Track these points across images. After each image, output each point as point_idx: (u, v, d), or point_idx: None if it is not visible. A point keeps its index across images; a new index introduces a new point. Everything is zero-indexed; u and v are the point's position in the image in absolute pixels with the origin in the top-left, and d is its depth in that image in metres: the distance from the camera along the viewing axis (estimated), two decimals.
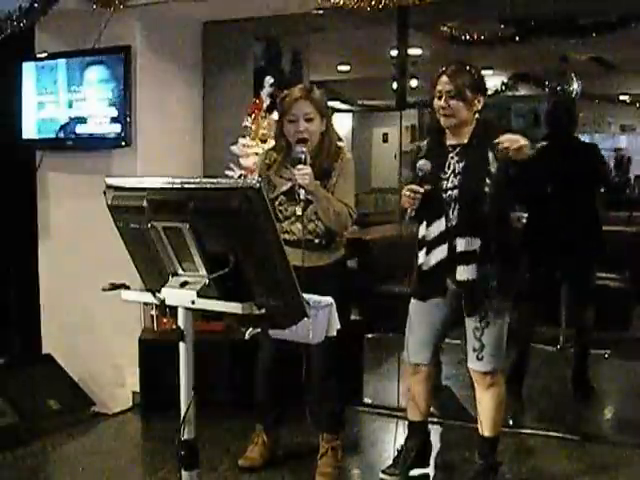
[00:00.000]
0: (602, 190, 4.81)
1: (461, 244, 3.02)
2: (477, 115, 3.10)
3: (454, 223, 3.04)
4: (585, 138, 8.96)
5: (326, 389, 3.38)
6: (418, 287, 3.20)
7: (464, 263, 3.02)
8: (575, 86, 6.72)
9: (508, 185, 2.97)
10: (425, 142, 3.25)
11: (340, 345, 3.05)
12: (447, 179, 3.08)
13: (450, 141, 3.14)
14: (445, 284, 3.10)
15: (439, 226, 3.06)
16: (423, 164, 3.05)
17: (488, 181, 2.99)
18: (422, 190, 3.02)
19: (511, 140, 2.86)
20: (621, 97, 9.24)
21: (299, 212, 3.16)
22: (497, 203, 3.01)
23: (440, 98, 3.07)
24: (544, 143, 4.60)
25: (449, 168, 3.09)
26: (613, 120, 10.17)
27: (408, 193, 3.03)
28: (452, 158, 3.10)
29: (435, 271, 3.09)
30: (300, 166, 3.07)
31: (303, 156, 3.09)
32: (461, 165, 3.07)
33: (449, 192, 3.06)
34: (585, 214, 4.40)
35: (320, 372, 3.31)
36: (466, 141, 3.10)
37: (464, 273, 3.02)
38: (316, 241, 3.23)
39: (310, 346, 3.01)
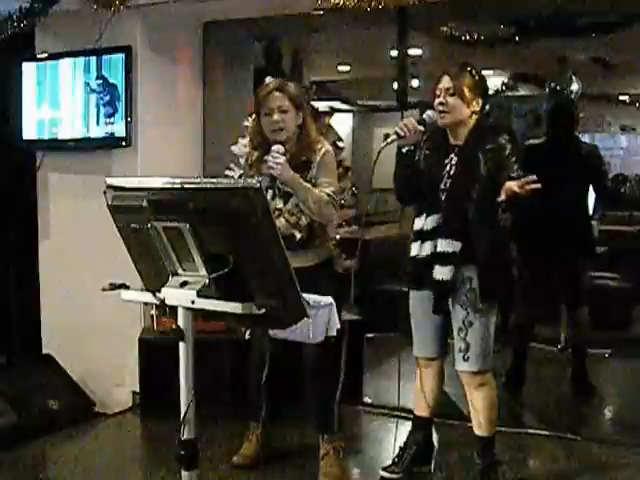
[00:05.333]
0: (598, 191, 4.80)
1: (442, 244, 3.04)
2: (475, 117, 3.11)
3: (441, 222, 3.07)
4: (585, 138, 8.95)
5: (325, 389, 3.38)
6: (411, 277, 3.22)
7: (441, 264, 3.04)
8: (575, 86, 6.72)
9: (497, 190, 2.95)
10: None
11: (338, 346, 3.04)
12: (442, 180, 3.10)
13: (451, 142, 3.16)
14: (432, 277, 3.11)
15: (434, 220, 3.09)
16: (431, 114, 3.11)
17: (476, 185, 3.00)
18: (420, 129, 3.09)
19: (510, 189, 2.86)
20: (621, 97, 9.23)
21: (279, 205, 3.19)
22: (484, 207, 3.02)
23: (439, 96, 3.09)
24: (534, 141, 4.60)
25: (446, 169, 3.11)
26: (613, 120, 10.16)
27: (406, 122, 3.09)
28: (452, 159, 3.12)
29: (424, 263, 3.11)
30: (272, 156, 3.08)
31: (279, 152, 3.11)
32: (454, 168, 3.09)
33: (442, 193, 3.09)
34: (577, 213, 4.40)
35: (319, 372, 3.31)
36: (462, 143, 3.11)
37: (439, 273, 3.05)
38: (298, 236, 3.21)
39: (309, 346, 3.01)
